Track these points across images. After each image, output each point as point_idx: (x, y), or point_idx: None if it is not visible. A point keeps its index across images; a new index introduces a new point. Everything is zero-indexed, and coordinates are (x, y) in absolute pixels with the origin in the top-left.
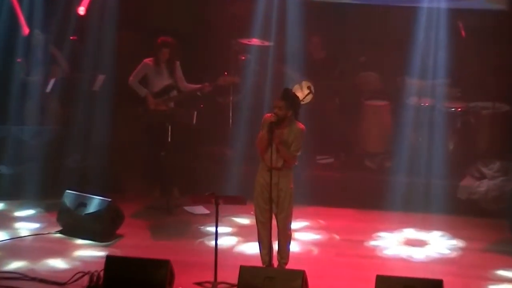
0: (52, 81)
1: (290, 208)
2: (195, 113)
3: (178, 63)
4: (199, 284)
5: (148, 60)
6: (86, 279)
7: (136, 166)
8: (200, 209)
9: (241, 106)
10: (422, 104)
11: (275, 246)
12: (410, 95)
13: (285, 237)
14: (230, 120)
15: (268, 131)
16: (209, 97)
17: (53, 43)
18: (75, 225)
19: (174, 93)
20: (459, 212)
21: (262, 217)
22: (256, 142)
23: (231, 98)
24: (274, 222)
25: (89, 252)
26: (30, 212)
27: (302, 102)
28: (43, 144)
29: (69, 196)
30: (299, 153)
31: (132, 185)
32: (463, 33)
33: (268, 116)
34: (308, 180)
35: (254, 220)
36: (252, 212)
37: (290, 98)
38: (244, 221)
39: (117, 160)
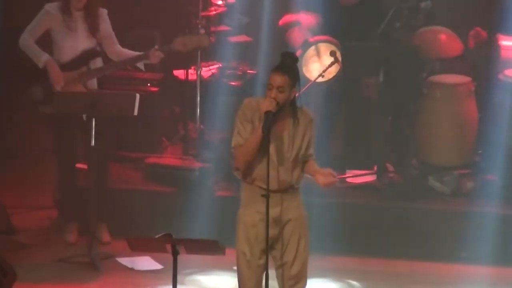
0: None
1: (306, 252)
2: (137, 98)
3: (105, 11)
4: None
5: (51, 7)
6: None
7: (36, 190)
8: (147, 262)
9: (216, 86)
10: None
11: None
12: (508, 67)
13: None
14: (197, 111)
15: (263, 128)
16: (161, 71)
17: None
18: None
19: (99, 63)
20: None
21: (251, 277)
22: (238, 149)
23: (198, 72)
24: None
25: None
26: None
27: (321, 78)
28: None
29: None
30: None
31: (29, 222)
32: None
33: (250, 101)
34: (331, 211)
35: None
36: (235, 267)
37: (294, 69)
38: (222, 282)
39: (3, 179)
